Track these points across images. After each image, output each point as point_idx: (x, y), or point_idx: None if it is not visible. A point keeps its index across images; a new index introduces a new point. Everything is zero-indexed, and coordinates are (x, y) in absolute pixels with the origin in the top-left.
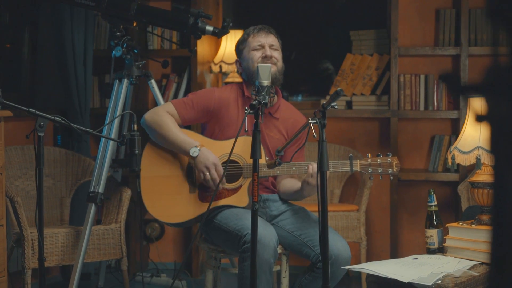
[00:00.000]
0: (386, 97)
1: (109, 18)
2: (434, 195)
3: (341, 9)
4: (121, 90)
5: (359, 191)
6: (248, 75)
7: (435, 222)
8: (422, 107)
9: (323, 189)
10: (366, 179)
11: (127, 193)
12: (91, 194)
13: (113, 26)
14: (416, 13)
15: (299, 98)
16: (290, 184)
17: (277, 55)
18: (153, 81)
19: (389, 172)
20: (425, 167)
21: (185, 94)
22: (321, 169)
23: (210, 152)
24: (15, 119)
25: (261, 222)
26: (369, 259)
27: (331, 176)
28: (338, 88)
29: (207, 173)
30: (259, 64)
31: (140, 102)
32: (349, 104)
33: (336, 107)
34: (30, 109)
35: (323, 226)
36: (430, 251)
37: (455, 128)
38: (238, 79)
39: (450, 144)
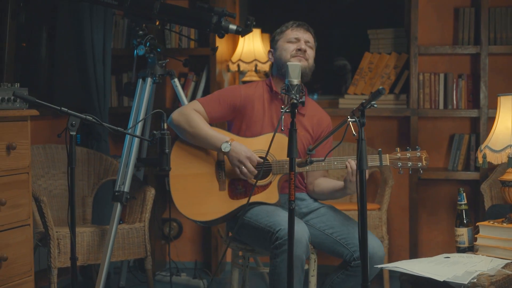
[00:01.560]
0: (404, 96)
1: (131, 17)
2: (464, 194)
3: (357, 7)
4: (145, 89)
5: (380, 190)
6: (278, 65)
7: (465, 221)
8: (441, 106)
9: (363, 187)
10: (388, 178)
11: (151, 192)
12: (116, 193)
13: (135, 25)
14: (434, 12)
15: (315, 96)
16: (328, 183)
17: (310, 52)
18: (176, 80)
19: (419, 166)
20: (445, 166)
21: (204, 93)
22: (361, 168)
23: (241, 145)
24: (36, 118)
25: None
26: (389, 257)
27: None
28: (380, 87)
29: (243, 167)
30: (289, 63)
31: (158, 101)
32: None
33: (375, 106)
34: (62, 108)
35: (362, 224)
36: (460, 250)
37: (474, 127)
38: (256, 78)
39: (470, 143)
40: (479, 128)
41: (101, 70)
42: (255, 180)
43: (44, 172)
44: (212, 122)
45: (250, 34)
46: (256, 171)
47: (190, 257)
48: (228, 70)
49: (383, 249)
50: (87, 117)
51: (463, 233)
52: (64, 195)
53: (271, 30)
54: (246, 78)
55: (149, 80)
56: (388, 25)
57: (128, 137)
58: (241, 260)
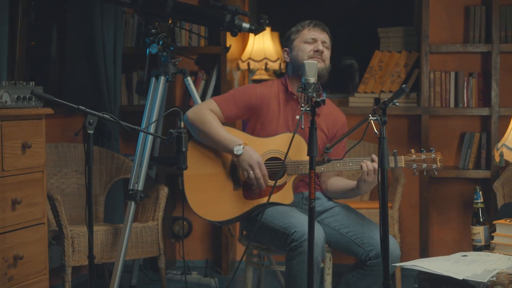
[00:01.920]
0: (414, 94)
1: (144, 15)
2: (481, 192)
3: (365, 5)
4: (158, 87)
5: (392, 188)
6: (295, 65)
7: (481, 219)
8: (452, 104)
9: (384, 186)
10: (400, 176)
11: (164, 191)
12: (130, 192)
13: (148, 24)
14: (445, 10)
15: (324, 95)
16: (341, 183)
17: (327, 53)
18: (189, 78)
19: (433, 167)
20: (455, 164)
21: (214, 91)
22: (382, 166)
23: (253, 151)
24: (48, 116)
25: (307, 220)
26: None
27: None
28: (403, 85)
29: (251, 172)
30: (306, 61)
31: (168, 99)
32: (377, 101)
33: (397, 104)
34: (79, 106)
35: (383, 223)
36: (477, 248)
37: (485, 125)
38: (266, 76)
39: (480, 141)
40: (489, 126)
41: (112, 69)
42: (271, 183)
43: (56, 171)
44: (227, 121)
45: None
46: (261, 178)
47: (199, 256)
48: (238, 68)
49: (399, 248)
50: (105, 115)
51: (479, 231)
52: (76, 193)
53: (281, 29)
54: (255, 77)
55: (162, 78)
56: (396, 24)
57: (141, 136)
58: (256, 258)
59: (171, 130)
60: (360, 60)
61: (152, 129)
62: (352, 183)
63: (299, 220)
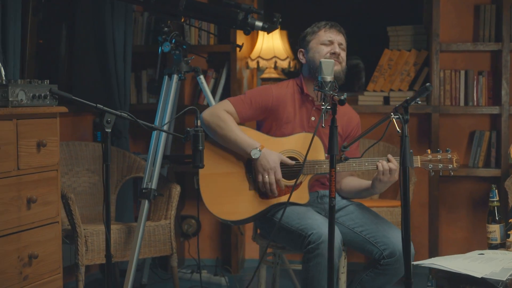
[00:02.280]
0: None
1: (156, 13)
2: (496, 190)
3: (371, 4)
4: (172, 86)
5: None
6: (311, 67)
7: (497, 218)
8: (462, 103)
9: (406, 185)
10: (411, 175)
11: (176, 189)
12: (144, 191)
13: (160, 22)
14: (454, 9)
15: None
16: (355, 182)
17: (343, 55)
18: (202, 77)
19: (449, 168)
20: (465, 163)
21: (224, 90)
22: (404, 165)
23: (271, 155)
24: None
25: (324, 221)
26: None
27: (372, 172)
28: (427, 84)
29: (266, 176)
30: (322, 60)
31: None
32: (386, 100)
33: (419, 102)
34: (97, 105)
35: (405, 221)
36: (492, 246)
37: (494, 124)
38: (275, 75)
39: (490, 139)
40: (499, 124)
41: (122, 67)
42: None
43: (67, 170)
44: (242, 122)
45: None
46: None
47: (208, 254)
48: (247, 67)
49: (413, 246)
50: (122, 114)
51: (495, 229)
52: (87, 192)
53: (289, 27)
54: (264, 75)
55: (175, 77)
56: (403, 23)
57: (155, 134)
58: (270, 257)
59: (188, 129)
60: (367, 59)
61: (165, 127)
62: (366, 182)
63: (316, 222)
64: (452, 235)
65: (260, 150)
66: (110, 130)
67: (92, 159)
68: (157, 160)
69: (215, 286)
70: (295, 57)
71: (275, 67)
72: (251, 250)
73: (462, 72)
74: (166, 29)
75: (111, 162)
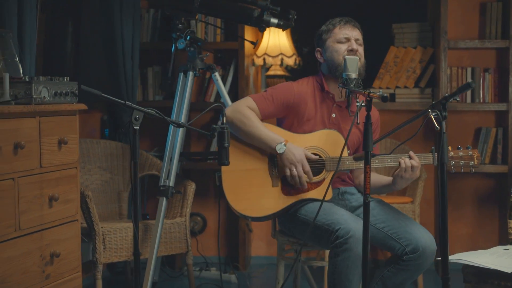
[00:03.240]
0: (429, 90)
1: (171, 10)
2: None
3: (374, 2)
4: (187, 83)
5: (412, 183)
6: (331, 67)
7: None
8: (469, 100)
9: (443, 182)
10: (421, 171)
11: (191, 187)
12: (162, 188)
13: (175, 19)
14: (460, 6)
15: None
16: (375, 178)
17: (361, 50)
18: (216, 74)
19: (471, 164)
20: None
21: (231, 87)
22: (442, 161)
23: (296, 148)
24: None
25: (350, 216)
26: None
27: (380, 168)
28: (470, 80)
29: (294, 169)
30: (347, 57)
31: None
32: (392, 97)
33: (457, 99)
34: (126, 102)
35: (443, 217)
36: None
37: (500, 121)
38: (280, 72)
39: (497, 136)
40: (506, 121)
41: (130, 64)
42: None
43: (80, 167)
44: (264, 119)
45: (274, 28)
46: (303, 176)
47: (214, 252)
48: (253, 64)
49: (435, 242)
50: (150, 111)
51: None
52: (99, 190)
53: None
54: (270, 72)
55: (190, 74)
56: (407, 20)
57: (171, 132)
58: (292, 253)
59: (214, 126)
60: (370, 56)
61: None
62: (387, 178)
63: (343, 217)
64: (457, 231)
65: (285, 145)
66: (138, 127)
67: (104, 156)
68: (174, 157)
69: (225, 283)
70: (299, 54)
71: (282, 64)
72: (258, 247)
73: (469, 69)
74: (180, 25)
75: (123, 160)
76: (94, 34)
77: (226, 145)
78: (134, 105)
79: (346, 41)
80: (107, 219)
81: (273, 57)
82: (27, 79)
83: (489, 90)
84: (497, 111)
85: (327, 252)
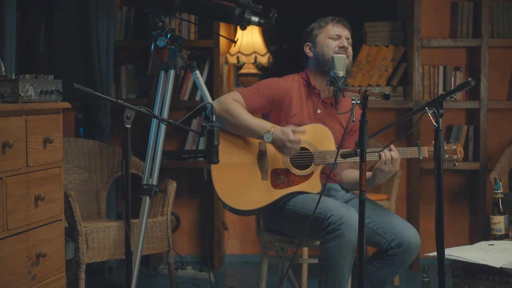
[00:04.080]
0: (401, 88)
1: (151, 8)
2: (501, 183)
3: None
4: (169, 81)
5: (388, 180)
6: (320, 61)
7: (501, 209)
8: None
9: (440, 178)
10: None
11: (172, 185)
12: (144, 187)
13: (155, 17)
14: (431, 6)
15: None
16: (356, 174)
17: (350, 49)
18: (197, 72)
19: (454, 158)
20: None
21: (206, 86)
22: (439, 158)
23: (280, 130)
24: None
25: (341, 204)
26: None
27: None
28: (470, 78)
29: (289, 144)
30: (335, 55)
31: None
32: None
33: (454, 97)
34: (118, 100)
35: (439, 214)
36: (497, 237)
37: (471, 118)
38: (254, 70)
39: (468, 133)
40: (477, 119)
41: (105, 62)
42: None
43: None
44: (250, 113)
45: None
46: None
47: (187, 251)
48: (227, 62)
49: (419, 237)
50: (141, 109)
51: (500, 221)
52: (78, 189)
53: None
54: (243, 71)
55: (172, 72)
56: (377, 19)
57: (153, 130)
58: (272, 252)
59: (204, 124)
60: None
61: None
62: (368, 174)
63: (334, 204)
64: (430, 227)
65: (271, 134)
66: (130, 125)
67: (81, 155)
68: (157, 156)
69: (202, 282)
70: (269, 51)
71: (255, 63)
72: (230, 246)
73: (441, 68)
74: (160, 24)
75: (100, 159)
76: (67, 32)
77: (215, 143)
78: (125, 104)
79: (337, 38)
80: (86, 218)
81: (246, 55)
82: (13, 77)
83: None
84: (468, 109)
85: (306, 249)
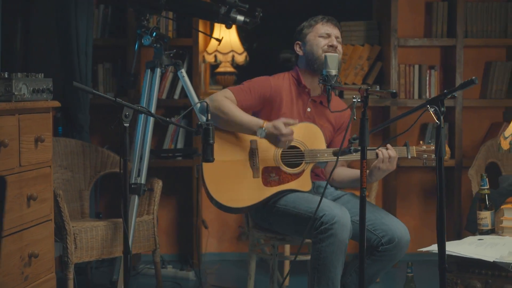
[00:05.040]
0: (376, 87)
1: (136, 6)
2: (487, 179)
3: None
4: (155, 79)
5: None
6: (309, 59)
7: (488, 205)
8: (416, 96)
9: (441, 175)
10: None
11: (158, 184)
12: (133, 186)
13: (140, 15)
14: (406, 5)
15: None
16: (349, 172)
17: (340, 48)
18: (183, 71)
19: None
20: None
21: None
22: (440, 155)
23: (272, 124)
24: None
25: (333, 203)
26: None
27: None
28: (473, 77)
29: (282, 137)
30: (328, 54)
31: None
32: (340, 94)
33: (455, 95)
34: (117, 99)
35: (440, 210)
36: (483, 232)
37: (446, 116)
38: (230, 69)
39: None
40: (452, 117)
41: (84, 61)
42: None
43: None
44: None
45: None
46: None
47: (166, 250)
48: (204, 61)
49: (408, 233)
50: (139, 108)
51: (486, 216)
52: (61, 188)
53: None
54: (220, 69)
55: (158, 70)
56: (351, 18)
57: (140, 128)
58: (259, 250)
59: (200, 122)
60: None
61: (151, 121)
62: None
63: (326, 204)
64: (406, 223)
65: (264, 129)
66: (128, 124)
67: (64, 154)
68: (145, 155)
69: (183, 280)
70: (245, 50)
71: (233, 61)
72: (212, 244)
73: (416, 67)
74: (145, 22)
75: (83, 158)
76: (45, 31)
77: (211, 141)
78: (124, 102)
79: (327, 37)
80: (70, 218)
81: (224, 54)
82: (6, 76)
83: (435, 87)
84: (446, 106)
85: (288, 247)
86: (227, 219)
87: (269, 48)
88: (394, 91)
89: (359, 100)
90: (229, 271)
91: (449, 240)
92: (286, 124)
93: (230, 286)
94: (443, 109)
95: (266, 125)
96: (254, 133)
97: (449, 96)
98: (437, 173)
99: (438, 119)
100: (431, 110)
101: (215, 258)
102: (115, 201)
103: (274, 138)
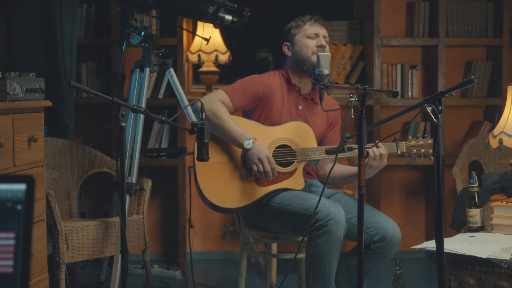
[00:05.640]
0: (365, 86)
1: (124, 5)
2: (476, 177)
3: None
4: (144, 79)
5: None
6: (298, 60)
7: (477, 202)
8: (399, 95)
9: (439, 172)
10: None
11: (148, 184)
12: (125, 185)
13: (128, 14)
14: (388, 5)
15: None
16: (341, 168)
17: (328, 47)
18: (171, 70)
19: (430, 152)
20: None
21: (168, 84)
22: (438, 153)
23: (263, 146)
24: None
25: (328, 200)
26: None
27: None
28: (472, 76)
29: (260, 165)
30: (320, 54)
31: (119, 91)
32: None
33: (453, 94)
34: (113, 98)
35: (438, 207)
36: (473, 229)
37: (427, 115)
38: (213, 68)
39: (425, 130)
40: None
41: (69, 60)
42: (282, 170)
43: None
44: (236, 111)
45: (209, 24)
46: (270, 171)
47: (151, 249)
48: (187, 60)
49: (400, 232)
50: (136, 107)
51: (476, 213)
52: (50, 188)
53: None
54: (203, 69)
55: (147, 70)
56: (333, 18)
57: (131, 128)
58: (253, 249)
59: (195, 121)
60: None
61: (141, 120)
62: (353, 168)
63: (321, 201)
64: None
65: (253, 141)
66: (125, 123)
67: (51, 154)
68: (136, 154)
69: (170, 280)
70: (228, 49)
71: (216, 61)
72: (198, 243)
73: (398, 66)
74: (133, 21)
75: (71, 158)
76: (28, 30)
77: (205, 140)
78: (121, 102)
79: (315, 37)
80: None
81: (208, 53)
82: (0, 75)
83: (416, 86)
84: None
85: (275, 245)
86: (212, 218)
87: (247, 48)
88: (396, 90)
89: (356, 99)
90: (215, 270)
91: (433, 238)
92: (272, 165)
93: (217, 285)
94: (440, 107)
95: (256, 141)
96: (240, 145)
97: (447, 95)
98: (436, 171)
99: (436, 117)
100: (429, 109)
101: (200, 257)
102: (99, 201)
103: (253, 155)
